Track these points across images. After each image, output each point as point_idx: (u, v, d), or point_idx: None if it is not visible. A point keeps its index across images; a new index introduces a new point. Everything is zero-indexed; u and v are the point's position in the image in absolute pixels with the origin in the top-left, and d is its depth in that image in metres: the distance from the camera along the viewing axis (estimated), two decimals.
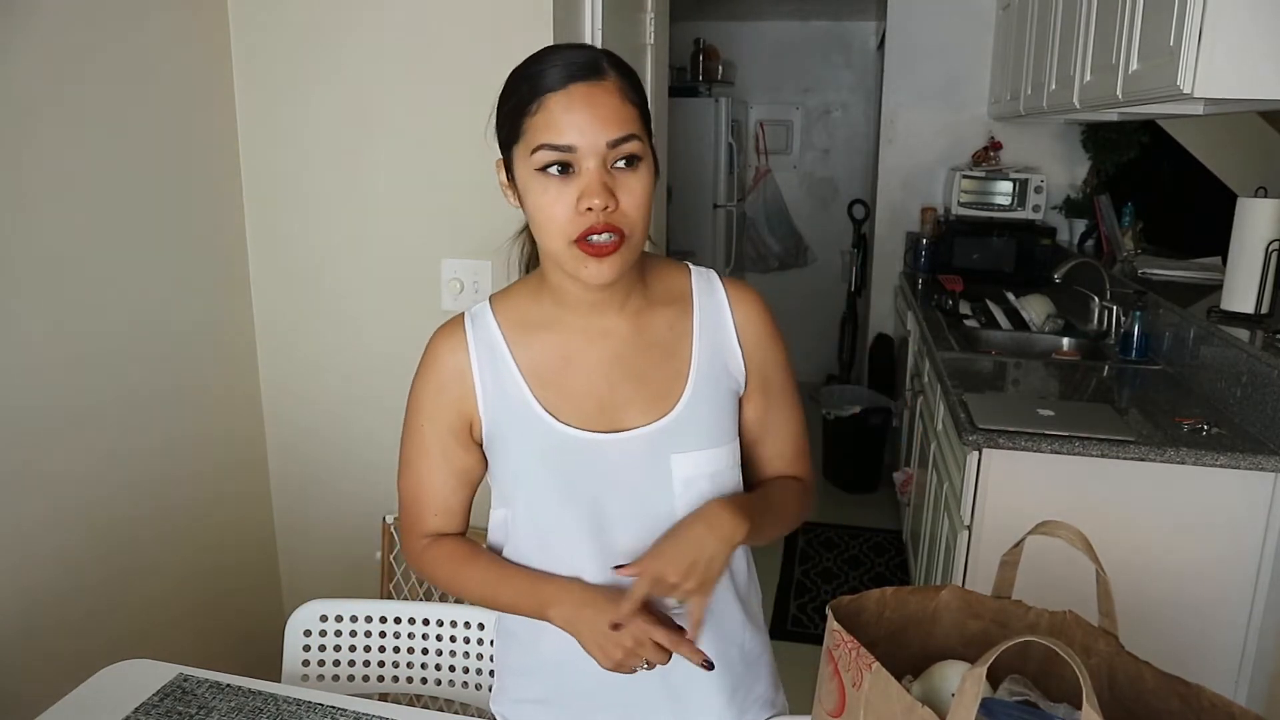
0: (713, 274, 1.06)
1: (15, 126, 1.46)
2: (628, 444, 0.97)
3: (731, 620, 1.06)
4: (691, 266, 1.06)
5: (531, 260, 1.05)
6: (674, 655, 0.98)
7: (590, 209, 0.87)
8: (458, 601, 1.30)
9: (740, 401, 1.04)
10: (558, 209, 0.88)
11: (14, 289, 1.48)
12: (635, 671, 0.94)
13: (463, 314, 1.03)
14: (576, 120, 0.86)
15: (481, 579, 1.02)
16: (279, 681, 1.26)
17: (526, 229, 1.03)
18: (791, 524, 1.08)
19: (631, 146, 0.88)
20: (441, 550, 1.05)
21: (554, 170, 0.88)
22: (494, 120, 0.94)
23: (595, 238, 0.88)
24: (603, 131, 0.87)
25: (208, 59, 1.87)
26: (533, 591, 0.98)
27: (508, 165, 0.94)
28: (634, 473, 0.98)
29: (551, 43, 1.76)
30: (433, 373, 1.02)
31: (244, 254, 2.00)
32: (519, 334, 1.00)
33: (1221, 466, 1.77)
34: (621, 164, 0.88)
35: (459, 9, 1.80)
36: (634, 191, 0.89)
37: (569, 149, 0.87)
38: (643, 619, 0.92)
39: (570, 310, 0.99)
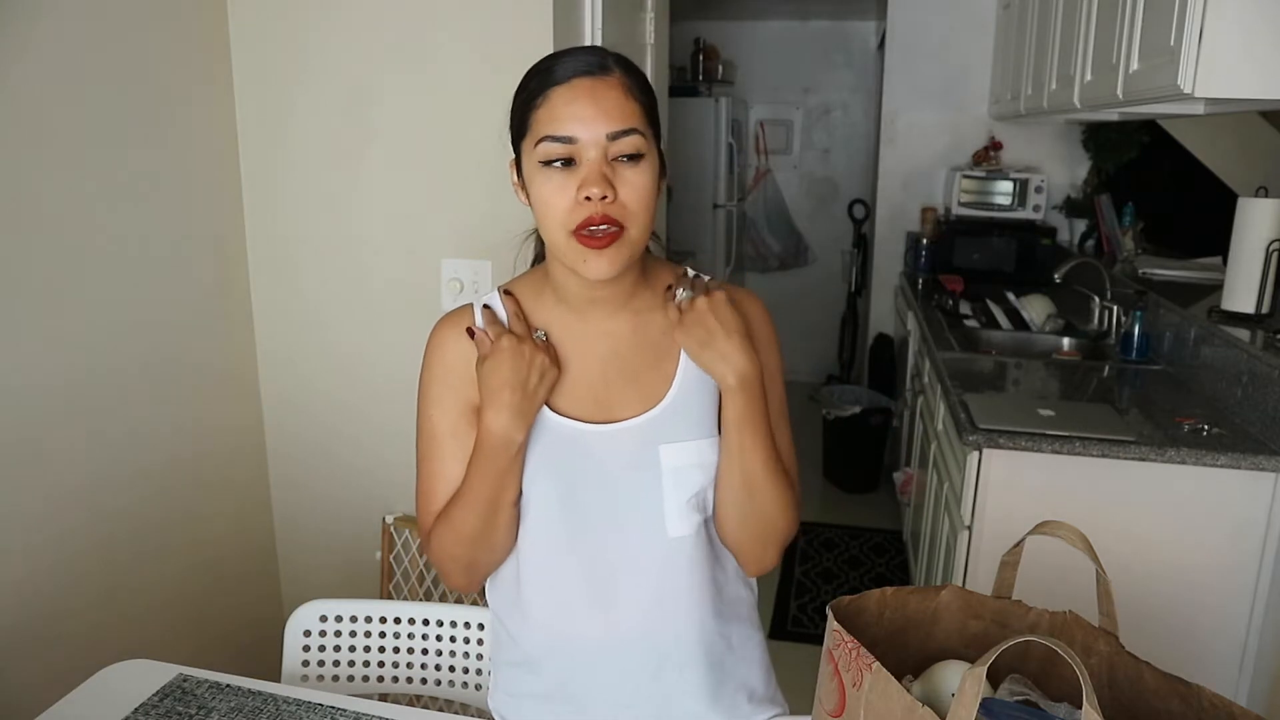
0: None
1: (12, 128, 1.46)
2: (619, 435, 0.99)
3: (703, 600, 1.03)
4: (690, 273, 1.06)
5: (539, 261, 1.07)
6: (665, 648, 0.99)
7: (589, 198, 0.88)
8: (457, 601, 1.30)
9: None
10: (559, 199, 0.89)
11: (13, 293, 1.48)
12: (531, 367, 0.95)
13: (469, 305, 1.04)
14: (578, 111, 0.88)
15: (456, 501, 0.99)
16: (279, 682, 1.26)
17: (535, 231, 1.04)
18: (769, 503, 0.99)
19: (633, 141, 0.89)
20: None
21: (557, 163, 0.89)
22: (509, 121, 0.96)
23: (593, 229, 0.88)
24: (604, 124, 0.88)
25: (207, 60, 1.87)
26: (476, 452, 0.96)
27: (518, 162, 0.96)
28: (625, 462, 0.99)
29: (552, 43, 1.77)
30: (439, 358, 1.02)
31: (243, 255, 2.00)
32: (523, 328, 1.00)
33: (1222, 467, 1.77)
34: (624, 159, 0.89)
35: (460, 9, 1.80)
36: (634, 185, 0.90)
37: (570, 140, 0.88)
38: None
39: (572, 310, 1.00)
